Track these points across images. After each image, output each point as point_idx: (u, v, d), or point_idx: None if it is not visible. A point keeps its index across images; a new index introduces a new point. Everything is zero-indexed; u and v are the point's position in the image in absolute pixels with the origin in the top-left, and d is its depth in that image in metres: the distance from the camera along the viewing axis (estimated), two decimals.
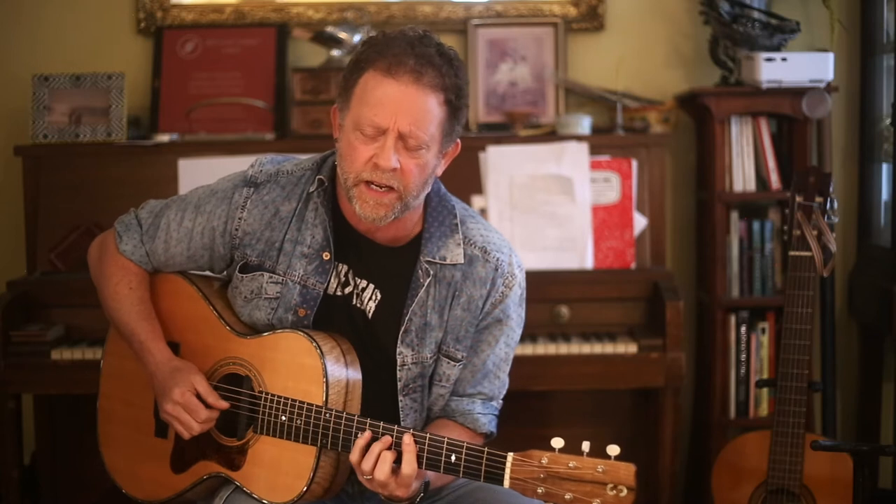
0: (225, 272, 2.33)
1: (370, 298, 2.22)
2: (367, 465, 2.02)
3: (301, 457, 2.10)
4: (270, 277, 2.21)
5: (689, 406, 3.78)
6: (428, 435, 2.03)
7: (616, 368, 3.19)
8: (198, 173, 3.28)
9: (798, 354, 2.95)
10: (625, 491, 1.89)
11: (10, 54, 3.77)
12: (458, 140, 2.18)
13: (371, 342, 2.21)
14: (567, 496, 1.91)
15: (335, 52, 3.62)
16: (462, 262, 2.19)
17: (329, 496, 2.17)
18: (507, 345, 2.27)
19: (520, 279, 2.25)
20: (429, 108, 2.07)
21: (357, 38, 3.61)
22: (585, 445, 1.92)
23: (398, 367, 2.19)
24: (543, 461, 1.93)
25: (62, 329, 3.26)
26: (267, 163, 2.27)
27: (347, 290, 2.22)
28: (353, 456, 2.04)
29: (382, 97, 2.06)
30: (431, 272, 2.18)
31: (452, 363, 2.22)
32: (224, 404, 2.16)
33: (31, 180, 3.43)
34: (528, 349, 3.17)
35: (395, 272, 2.20)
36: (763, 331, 3.55)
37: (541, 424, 3.50)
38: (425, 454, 2.02)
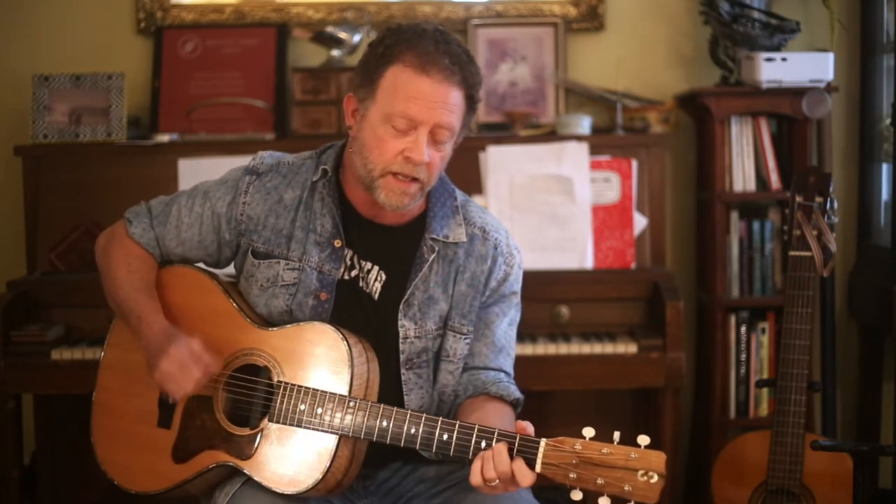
0: (233, 263, 2.35)
1: (376, 280, 2.26)
2: (489, 472, 1.99)
3: (318, 446, 2.11)
4: (287, 264, 2.25)
5: (689, 406, 3.78)
6: (457, 422, 2.05)
7: (616, 368, 3.19)
8: (198, 173, 3.26)
9: (798, 354, 2.95)
10: (655, 477, 1.93)
11: (10, 54, 3.77)
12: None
13: (378, 322, 2.24)
14: (599, 481, 1.94)
15: (335, 52, 3.62)
16: (464, 240, 2.27)
17: (338, 490, 2.17)
18: (510, 324, 2.34)
19: (518, 259, 2.34)
20: (458, 103, 2.14)
21: (357, 38, 3.61)
22: (616, 434, 1.97)
23: (400, 340, 2.22)
24: (577, 447, 1.96)
25: (62, 329, 3.26)
26: (267, 156, 2.34)
27: (353, 273, 2.26)
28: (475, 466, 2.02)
29: (417, 93, 2.11)
30: (436, 249, 2.25)
31: (459, 336, 2.26)
32: (217, 366, 2.16)
33: (31, 180, 3.43)
34: (528, 349, 3.17)
35: (398, 252, 2.25)
36: (763, 331, 3.55)
37: (541, 425, 3.41)
38: (454, 441, 2.04)
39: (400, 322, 2.23)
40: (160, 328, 2.20)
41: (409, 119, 2.11)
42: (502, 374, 2.30)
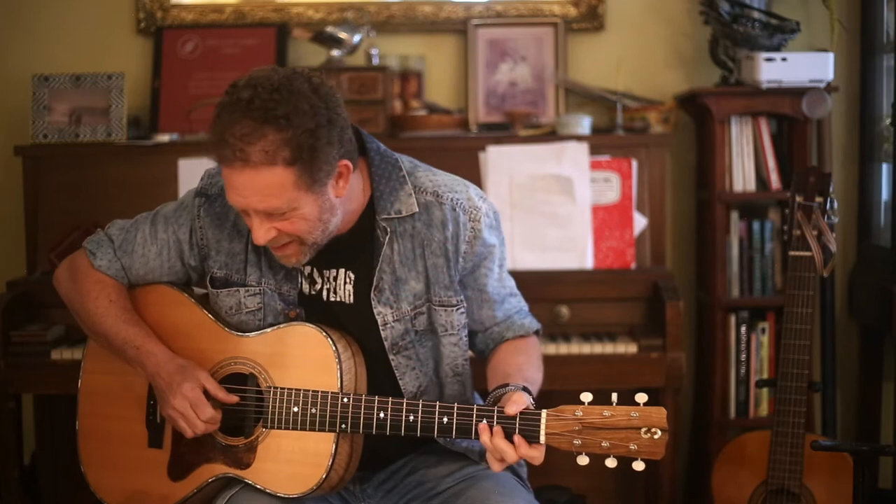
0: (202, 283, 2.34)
1: (346, 282, 2.23)
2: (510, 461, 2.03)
3: (318, 446, 2.11)
4: (247, 291, 2.23)
5: (689, 406, 3.78)
6: (455, 405, 2.06)
7: (616, 368, 3.19)
8: (198, 173, 3.22)
9: (798, 354, 2.95)
10: (659, 433, 1.95)
11: (10, 54, 3.78)
12: (340, 162, 2.08)
13: (356, 320, 2.22)
14: (604, 444, 1.96)
15: (335, 52, 3.62)
16: (417, 210, 2.20)
17: (340, 486, 2.18)
18: (500, 266, 2.30)
19: (485, 208, 2.25)
20: (269, 182, 2.00)
21: (357, 38, 3.61)
22: (614, 396, 1.99)
23: (381, 328, 2.20)
24: (578, 413, 1.99)
25: (62, 329, 3.26)
26: (216, 174, 2.28)
27: (316, 287, 2.24)
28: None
29: (230, 184, 2.04)
30: (389, 229, 2.19)
31: (450, 310, 2.23)
32: (234, 398, 2.16)
33: (31, 180, 3.43)
34: None
35: (358, 245, 2.22)
36: (763, 331, 3.55)
37: None
38: (455, 423, 2.05)
39: (376, 310, 2.20)
40: (164, 357, 2.19)
41: (235, 206, 2.07)
42: (514, 316, 2.31)
